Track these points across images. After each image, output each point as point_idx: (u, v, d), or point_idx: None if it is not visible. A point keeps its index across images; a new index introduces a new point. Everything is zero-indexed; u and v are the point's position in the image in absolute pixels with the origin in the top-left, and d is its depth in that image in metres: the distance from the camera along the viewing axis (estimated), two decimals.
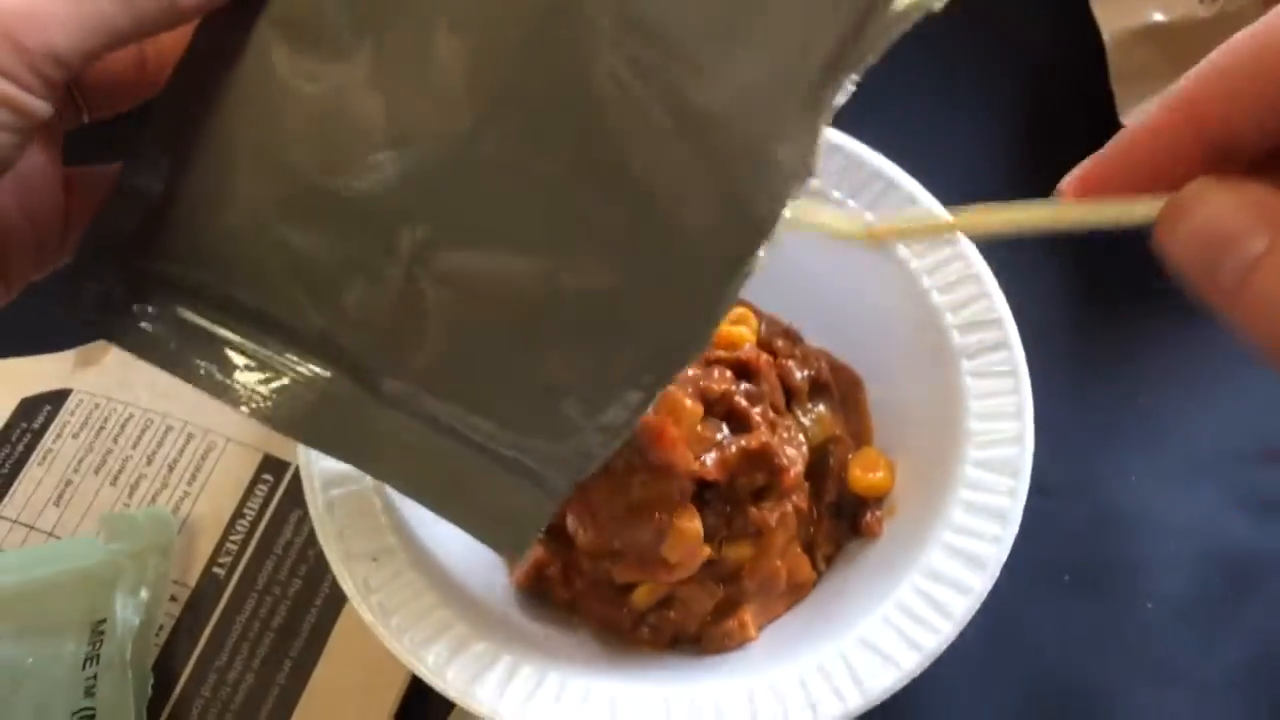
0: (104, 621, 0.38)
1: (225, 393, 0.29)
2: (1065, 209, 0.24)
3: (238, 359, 0.29)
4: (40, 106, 0.24)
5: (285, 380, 0.29)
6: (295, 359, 0.29)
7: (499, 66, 0.26)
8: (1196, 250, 0.21)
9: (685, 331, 0.26)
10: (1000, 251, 0.42)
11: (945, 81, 0.55)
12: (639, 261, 0.26)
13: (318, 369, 0.29)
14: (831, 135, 0.43)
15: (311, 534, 0.42)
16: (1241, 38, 0.22)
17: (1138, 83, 0.50)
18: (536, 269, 0.26)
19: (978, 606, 0.35)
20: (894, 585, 0.36)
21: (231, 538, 0.42)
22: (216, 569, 0.41)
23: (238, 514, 0.42)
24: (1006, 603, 0.36)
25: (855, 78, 0.23)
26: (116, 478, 0.43)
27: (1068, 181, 0.24)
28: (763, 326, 0.45)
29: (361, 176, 0.27)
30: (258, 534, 0.42)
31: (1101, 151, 0.24)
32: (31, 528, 0.42)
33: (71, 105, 0.29)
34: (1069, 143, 0.53)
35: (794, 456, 0.39)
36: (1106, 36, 0.50)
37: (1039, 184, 0.54)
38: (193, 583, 0.41)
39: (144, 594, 0.39)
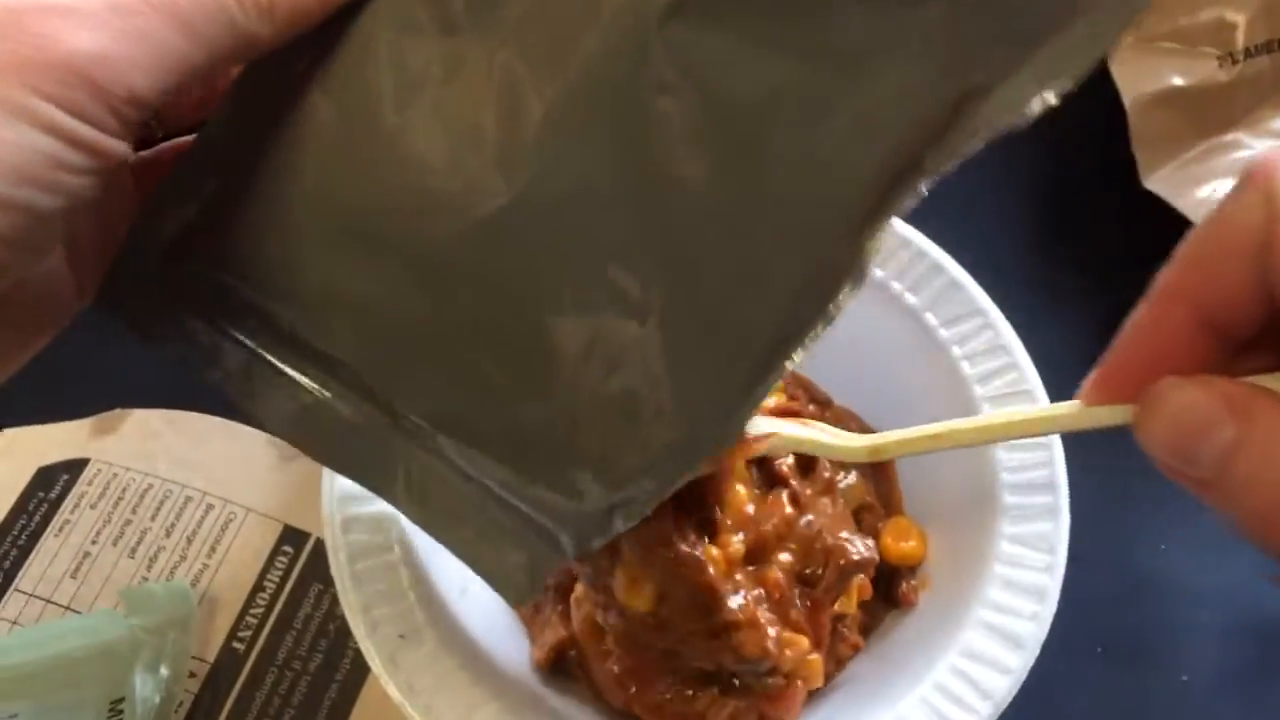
0: (123, 700, 0.38)
1: (253, 402, 0.28)
2: (1056, 412, 0.29)
3: (268, 373, 0.28)
4: (120, 148, 0.23)
5: (309, 400, 0.28)
6: (323, 380, 0.28)
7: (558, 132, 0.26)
8: (1173, 443, 0.22)
9: (711, 425, 0.25)
10: (1026, 315, 0.41)
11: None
12: (677, 336, 0.25)
13: (343, 392, 0.28)
14: None
15: (332, 607, 0.41)
16: (1200, 231, 0.23)
17: (1160, 147, 0.50)
18: (569, 334, 0.26)
19: (1018, 687, 0.35)
20: (931, 665, 0.36)
21: (251, 611, 0.41)
22: (236, 643, 0.41)
23: (258, 587, 0.42)
24: (1038, 674, 0.35)
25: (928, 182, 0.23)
26: (135, 549, 0.43)
27: (1086, 386, 0.27)
28: (788, 388, 0.44)
29: (414, 223, 0.27)
30: (278, 607, 0.41)
31: (1110, 353, 0.26)
32: (49, 601, 0.42)
33: (146, 127, 0.29)
34: (1092, 208, 0.53)
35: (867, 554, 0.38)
36: (1127, 101, 0.50)
37: (1062, 250, 0.54)
38: (212, 658, 0.40)
39: (164, 671, 0.38)
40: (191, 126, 0.30)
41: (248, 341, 0.28)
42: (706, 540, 0.35)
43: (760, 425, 0.33)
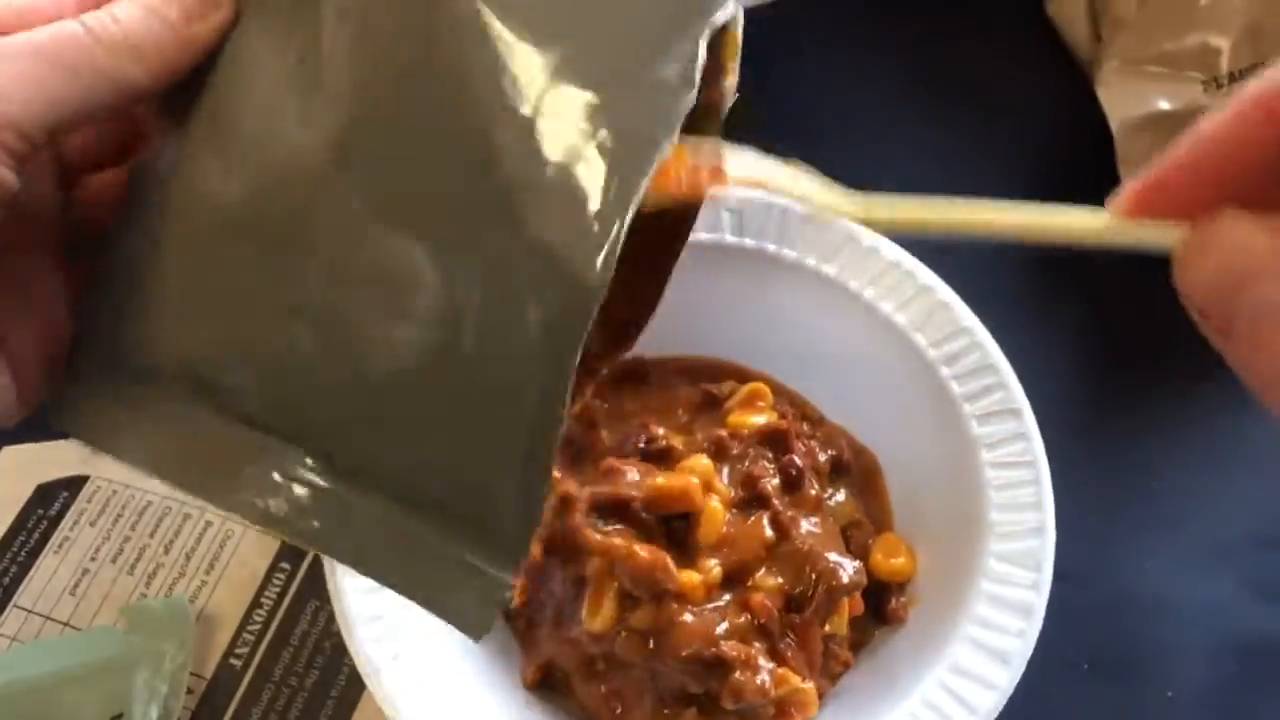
0: (121, 716, 0.38)
1: (199, 487, 0.27)
2: (1080, 220, 0.22)
3: (210, 453, 0.27)
4: (5, 174, 0.24)
5: (253, 466, 0.26)
6: (263, 442, 0.27)
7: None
8: (1214, 287, 0.19)
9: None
10: (1013, 333, 0.42)
11: (956, 169, 0.56)
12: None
13: (284, 450, 0.26)
14: (848, 225, 0.44)
15: (328, 624, 0.42)
16: None
17: (1146, 169, 0.51)
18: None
19: (1004, 703, 0.35)
20: (919, 681, 0.36)
21: (249, 627, 0.42)
22: (233, 660, 0.41)
23: (255, 603, 0.42)
24: (1024, 690, 0.36)
25: None
26: (134, 566, 0.43)
27: (1124, 195, 0.22)
28: (778, 406, 0.45)
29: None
30: (275, 624, 0.42)
31: (1166, 162, 0.21)
32: (48, 618, 0.42)
33: (73, 231, 0.29)
34: None
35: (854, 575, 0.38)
36: (1114, 124, 0.51)
37: (1049, 271, 0.54)
38: (209, 674, 0.41)
39: (162, 686, 0.39)
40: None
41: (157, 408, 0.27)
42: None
43: (741, 162, 0.28)
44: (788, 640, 0.37)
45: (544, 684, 0.40)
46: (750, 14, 0.28)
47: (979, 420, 0.41)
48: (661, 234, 0.33)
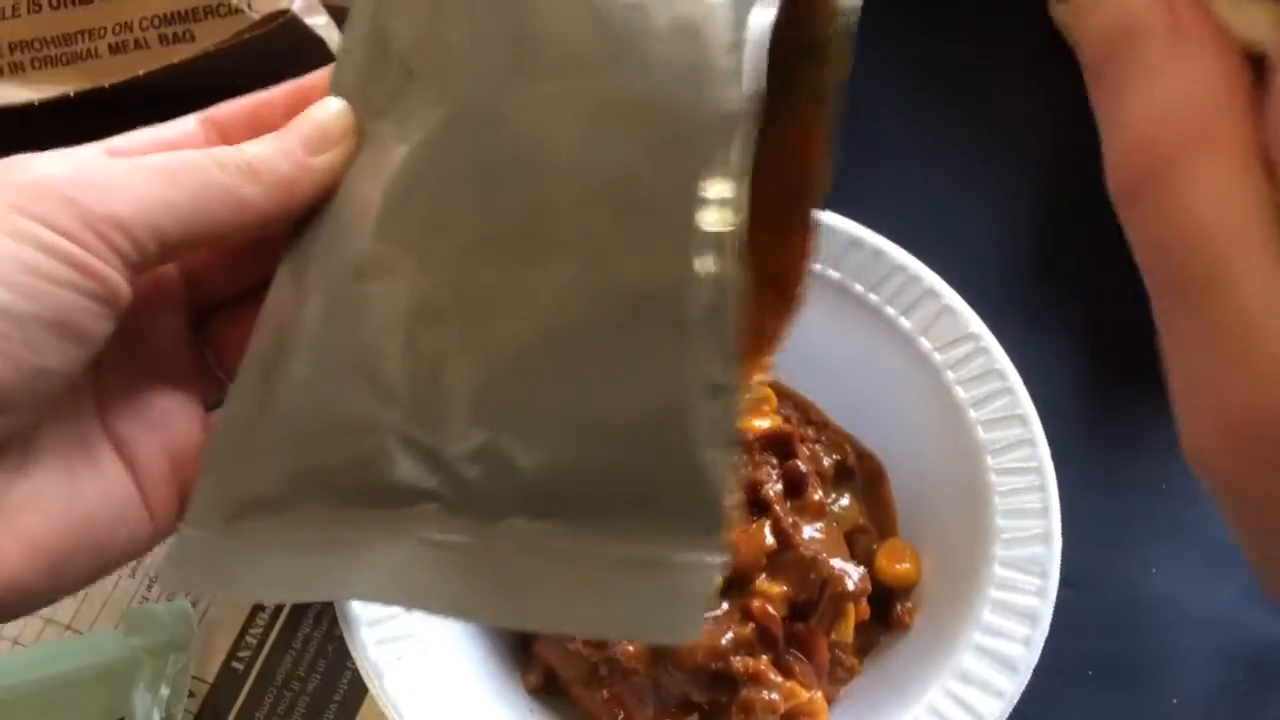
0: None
1: (327, 589, 0.26)
2: None
3: (328, 556, 0.24)
4: (105, 271, 0.23)
5: (385, 546, 0.24)
6: (391, 517, 0.24)
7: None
8: (1106, 39, 0.18)
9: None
10: (1017, 337, 0.42)
11: (958, 171, 0.56)
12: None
13: (419, 514, 0.24)
14: (853, 229, 0.43)
15: (330, 628, 0.42)
16: None
17: None
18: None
19: (1010, 710, 0.35)
20: (925, 688, 0.36)
21: (251, 631, 0.42)
22: (235, 663, 0.41)
23: (257, 607, 0.42)
24: (1029, 697, 0.36)
25: None
26: (135, 569, 0.43)
27: None
28: (783, 410, 0.45)
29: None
30: (277, 627, 0.42)
31: None
32: (49, 620, 0.42)
33: (215, 381, 0.29)
34: (1084, 234, 0.54)
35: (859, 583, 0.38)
36: None
37: (1055, 276, 0.54)
38: (211, 678, 0.41)
39: (164, 690, 0.39)
40: None
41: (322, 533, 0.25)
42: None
43: None
44: (793, 650, 0.37)
45: (546, 689, 0.40)
46: None
47: (985, 426, 0.41)
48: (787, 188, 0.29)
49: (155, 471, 0.27)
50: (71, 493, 0.25)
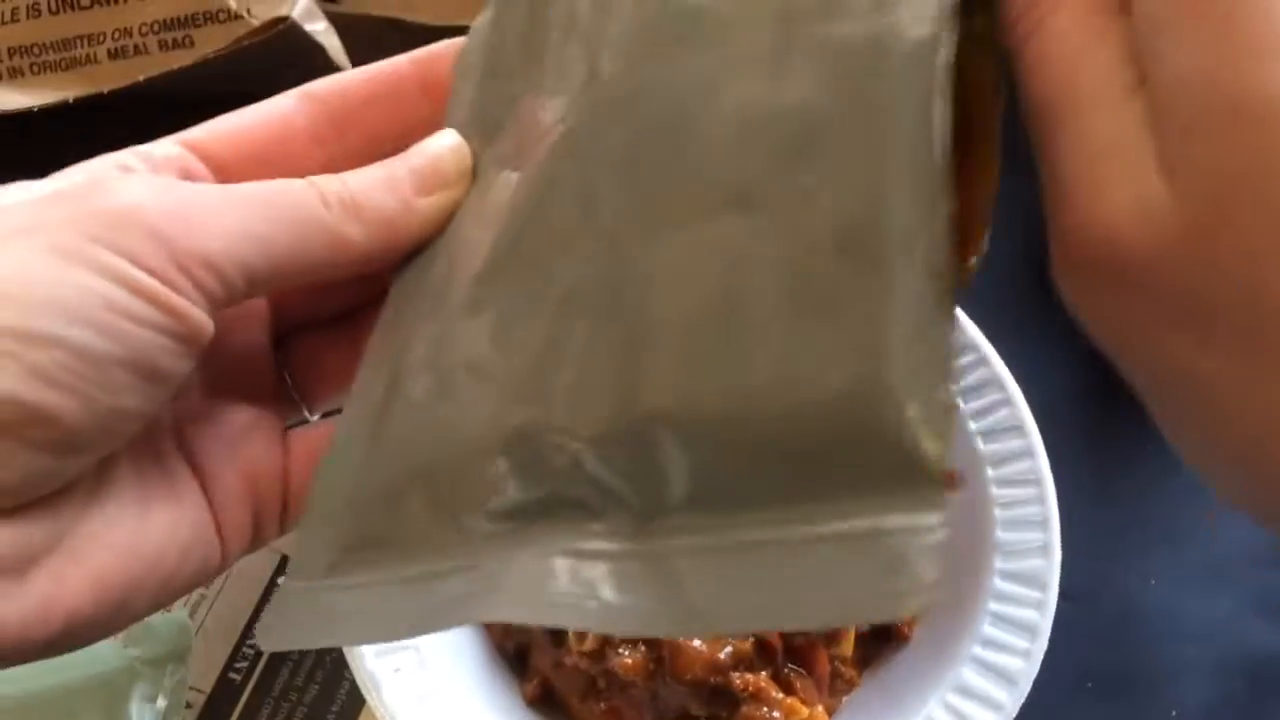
0: None
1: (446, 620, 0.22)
2: None
3: (446, 584, 0.22)
4: (190, 311, 0.22)
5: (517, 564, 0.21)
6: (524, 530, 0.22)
7: None
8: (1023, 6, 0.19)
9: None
10: (1014, 349, 0.42)
11: None
12: None
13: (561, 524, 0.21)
14: None
15: None
16: None
17: None
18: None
19: None
20: (924, 702, 0.36)
21: (248, 642, 0.41)
22: (232, 674, 0.41)
23: (254, 618, 0.42)
24: (1029, 709, 0.36)
25: None
26: None
27: None
28: None
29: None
30: None
31: None
32: None
33: (293, 404, 0.28)
34: None
35: None
36: None
37: (1048, 288, 0.54)
38: (208, 689, 0.41)
39: (161, 701, 0.39)
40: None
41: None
42: None
43: None
44: (793, 664, 0.36)
45: (545, 700, 0.40)
46: None
47: (984, 437, 0.41)
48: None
49: (231, 495, 0.25)
50: (144, 524, 0.23)
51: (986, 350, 0.42)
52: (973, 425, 0.41)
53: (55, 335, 0.20)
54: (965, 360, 0.42)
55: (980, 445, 0.40)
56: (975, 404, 0.41)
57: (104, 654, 0.39)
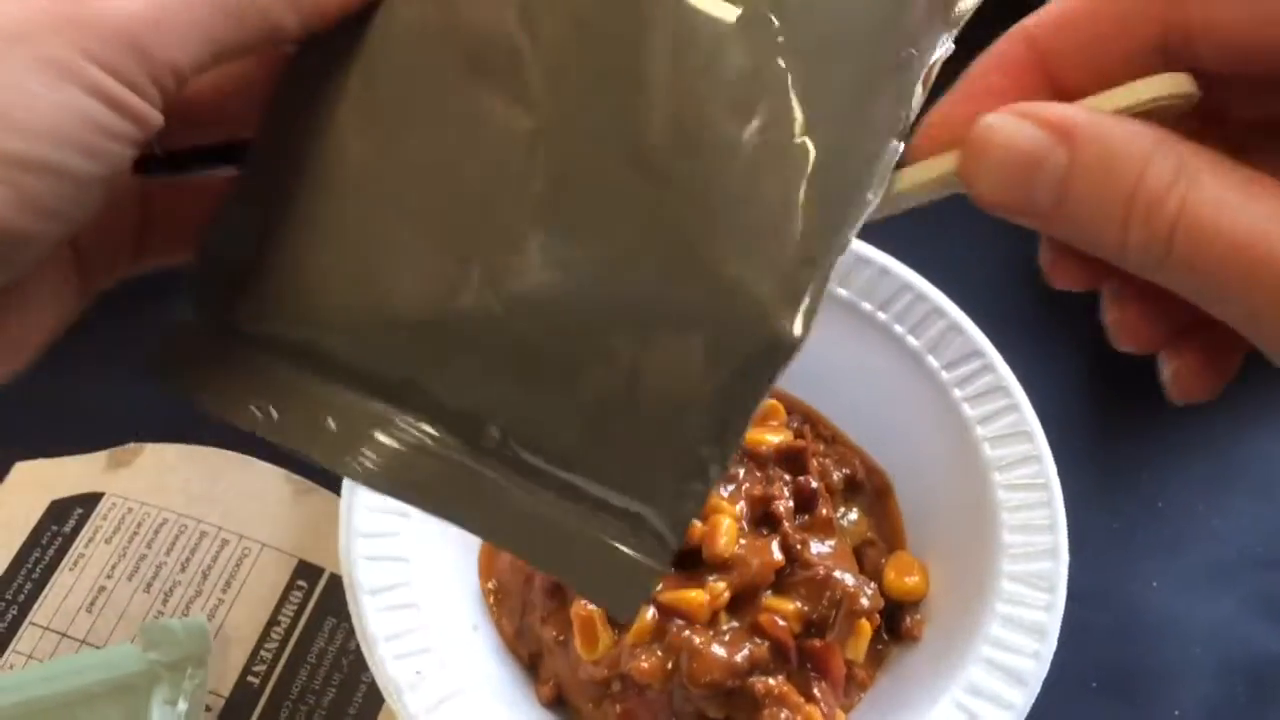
0: None
1: (322, 451, 0.27)
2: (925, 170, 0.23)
3: (332, 417, 0.27)
4: (157, 117, 0.23)
5: (383, 437, 0.26)
6: (391, 412, 0.26)
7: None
8: (1007, 182, 0.21)
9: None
10: (1018, 355, 0.43)
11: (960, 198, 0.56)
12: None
13: (415, 422, 0.26)
14: (860, 247, 0.44)
15: (345, 642, 0.42)
16: None
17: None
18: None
19: None
20: (934, 702, 0.37)
21: (266, 646, 0.42)
22: (251, 678, 0.41)
23: (272, 621, 0.42)
24: (1034, 710, 0.36)
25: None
26: (150, 584, 0.43)
27: (916, 138, 0.23)
28: (794, 423, 0.45)
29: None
30: (292, 642, 0.42)
31: (944, 99, 0.23)
32: (64, 635, 0.42)
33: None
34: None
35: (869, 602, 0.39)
36: None
37: (1057, 293, 0.55)
38: (227, 692, 0.41)
39: (181, 705, 0.39)
40: (192, 142, 0.29)
41: (314, 388, 0.27)
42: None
43: None
44: (808, 667, 0.37)
45: (561, 701, 0.41)
46: None
47: (991, 443, 0.41)
48: None
49: (92, 248, 0.27)
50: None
51: (993, 358, 0.42)
52: (980, 430, 0.42)
53: (52, 163, 0.21)
54: (972, 366, 0.43)
55: (987, 450, 0.41)
56: (982, 409, 0.42)
57: (123, 658, 0.40)
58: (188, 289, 0.28)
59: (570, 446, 0.25)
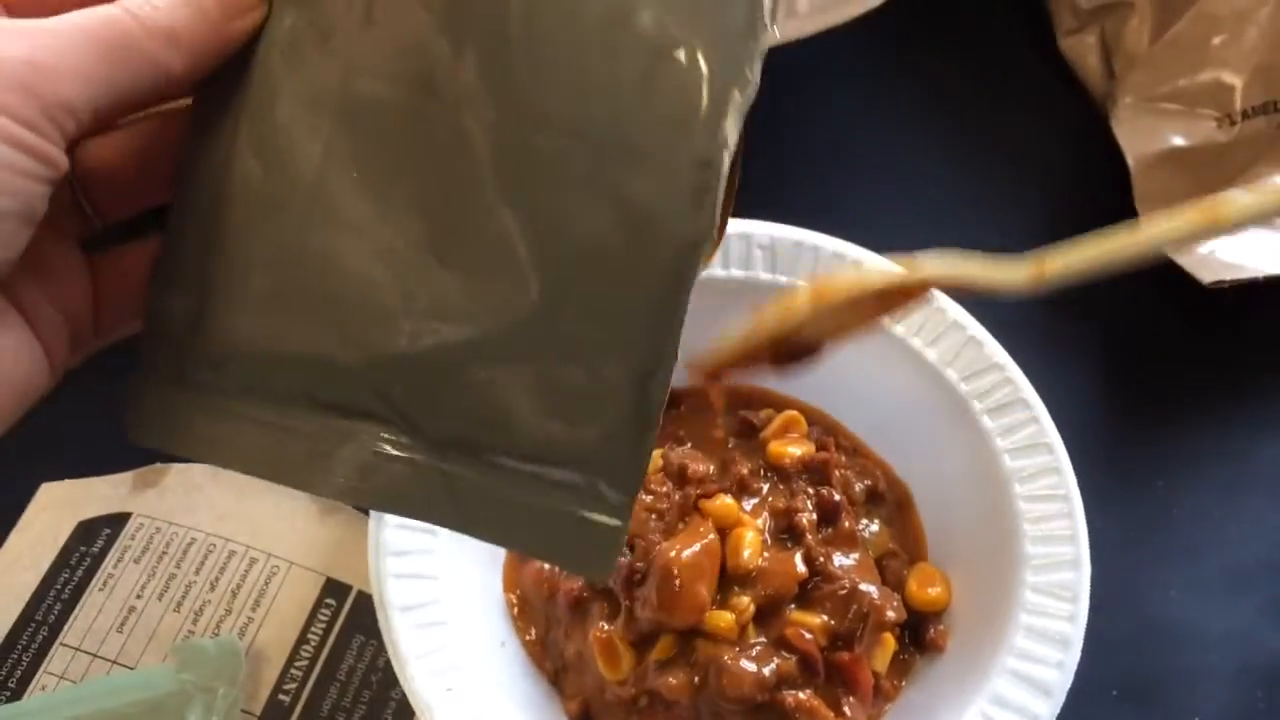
0: None
1: (291, 476, 0.28)
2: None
3: (295, 443, 0.28)
4: (59, 156, 0.24)
5: (349, 452, 0.27)
6: (354, 428, 0.27)
7: None
8: None
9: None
10: (1032, 365, 0.43)
11: (972, 206, 0.57)
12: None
13: (378, 433, 0.27)
14: (878, 262, 0.45)
15: (374, 659, 0.42)
16: None
17: (1161, 205, 0.52)
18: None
19: None
20: (960, 714, 0.37)
21: (296, 664, 0.42)
22: (282, 696, 0.42)
23: (301, 639, 0.43)
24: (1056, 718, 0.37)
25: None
26: (180, 603, 0.43)
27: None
28: (814, 433, 0.46)
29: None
30: (321, 660, 0.42)
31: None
32: (95, 655, 0.42)
33: (80, 211, 0.30)
34: None
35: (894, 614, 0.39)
36: (1130, 160, 0.52)
37: (1072, 306, 0.56)
38: (259, 710, 0.41)
39: None
40: (128, 211, 0.30)
41: (274, 416, 0.28)
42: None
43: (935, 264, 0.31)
44: (836, 680, 0.37)
45: (587, 716, 0.41)
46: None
47: (1011, 455, 0.42)
48: None
49: (44, 315, 0.28)
50: None
51: (1012, 370, 0.43)
52: (1000, 442, 0.42)
53: None
54: (992, 379, 0.43)
55: (1008, 462, 0.42)
56: (1002, 421, 0.42)
57: (157, 677, 0.40)
58: (141, 347, 0.29)
59: (525, 438, 0.26)
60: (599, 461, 0.26)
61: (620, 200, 0.25)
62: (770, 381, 0.47)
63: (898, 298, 0.31)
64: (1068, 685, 0.37)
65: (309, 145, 0.27)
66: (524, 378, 0.26)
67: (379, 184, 0.27)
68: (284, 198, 0.27)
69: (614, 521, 0.26)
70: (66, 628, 0.43)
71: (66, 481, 0.47)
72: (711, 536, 0.39)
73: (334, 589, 0.44)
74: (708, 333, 0.42)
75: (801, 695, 0.36)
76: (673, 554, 0.38)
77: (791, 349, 0.32)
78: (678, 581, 0.37)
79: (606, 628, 0.39)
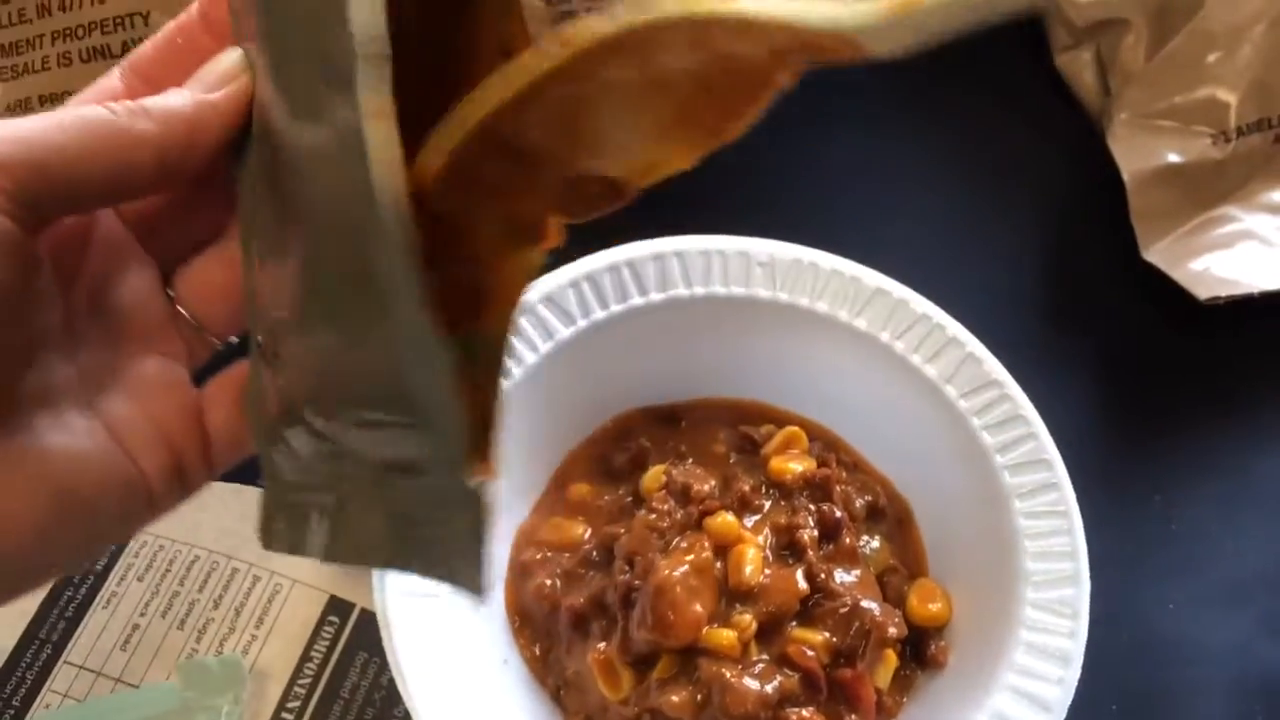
0: None
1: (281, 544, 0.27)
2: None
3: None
4: (14, 232, 0.23)
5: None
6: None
7: None
8: None
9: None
10: (1030, 381, 0.43)
11: (967, 221, 0.57)
12: None
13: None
14: (877, 279, 0.45)
15: (377, 677, 0.43)
16: None
17: (1157, 221, 0.52)
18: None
19: None
20: None
21: (300, 681, 0.42)
22: (285, 714, 0.42)
23: (305, 657, 0.43)
24: None
25: None
26: (184, 621, 0.44)
27: None
28: (815, 449, 0.46)
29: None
30: (325, 678, 0.43)
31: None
32: (99, 673, 0.42)
33: (197, 335, 0.29)
34: (1096, 280, 0.55)
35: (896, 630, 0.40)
36: (1126, 177, 0.53)
37: (1069, 321, 0.56)
38: None
39: None
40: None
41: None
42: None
43: None
44: (838, 697, 0.38)
45: None
46: None
47: (1010, 471, 0.42)
48: None
49: (144, 440, 0.27)
50: (42, 460, 0.25)
51: (1011, 387, 0.43)
52: (999, 459, 0.42)
53: None
54: (990, 395, 0.43)
55: (1007, 478, 0.42)
56: (1000, 437, 0.43)
57: (161, 695, 0.40)
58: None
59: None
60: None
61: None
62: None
63: (716, 74, 0.21)
64: (1068, 701, 0.37)
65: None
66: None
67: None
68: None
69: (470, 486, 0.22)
70: (70, 646, 0.43)
71: None
72: (705, 554, 0.39)
73: (337, 607, 0.44)
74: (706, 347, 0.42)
75: (804, 713, 0.37)
76: (665, 573, 0.38)
77: (545, 152, 0.23)
78: (669, 600, 0.37)
79: (604, 647, 0.39)
